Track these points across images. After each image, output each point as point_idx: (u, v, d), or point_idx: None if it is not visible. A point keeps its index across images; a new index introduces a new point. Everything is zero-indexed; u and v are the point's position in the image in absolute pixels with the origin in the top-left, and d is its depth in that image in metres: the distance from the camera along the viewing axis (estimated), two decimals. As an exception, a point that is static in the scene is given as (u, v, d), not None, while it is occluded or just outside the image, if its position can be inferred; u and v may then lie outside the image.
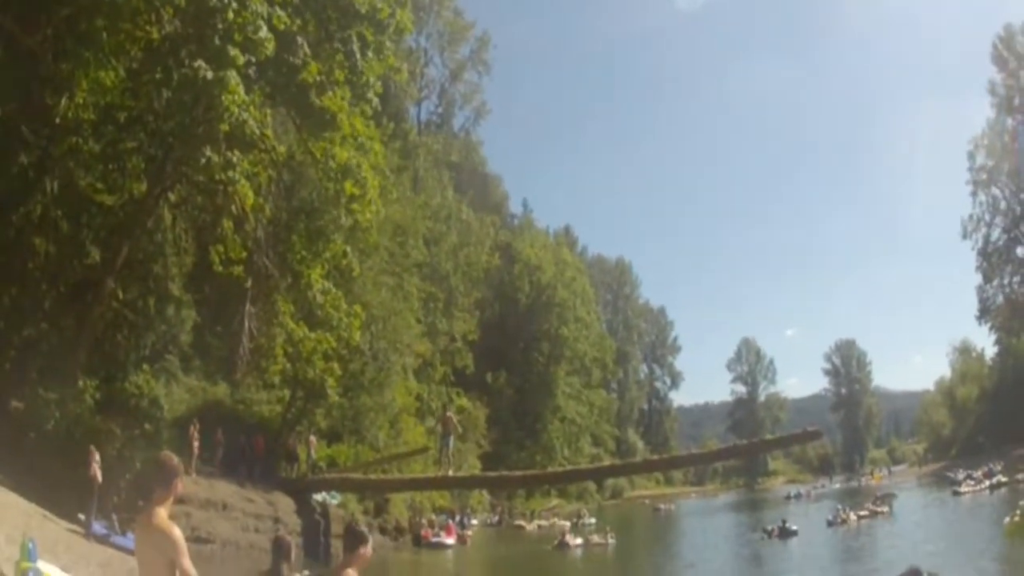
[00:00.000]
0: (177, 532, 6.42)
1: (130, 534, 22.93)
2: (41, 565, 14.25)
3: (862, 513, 53.72)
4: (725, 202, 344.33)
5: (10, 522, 18.12)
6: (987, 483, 65.72)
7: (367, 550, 7.60)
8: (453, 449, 41.50)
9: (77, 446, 25.48)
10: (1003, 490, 60.15)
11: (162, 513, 6.49)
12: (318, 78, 29.73)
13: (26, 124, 27.79)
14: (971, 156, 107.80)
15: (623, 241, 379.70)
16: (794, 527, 46.73)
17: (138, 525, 6.87)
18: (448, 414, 40.10)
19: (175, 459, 6.91)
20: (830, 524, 50.47)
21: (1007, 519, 31.94)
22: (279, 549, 9.49)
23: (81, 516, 24.37)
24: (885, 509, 55.74)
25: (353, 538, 7.70)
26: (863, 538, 44.74)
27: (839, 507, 55.50)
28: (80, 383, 28.45)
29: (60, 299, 30.23)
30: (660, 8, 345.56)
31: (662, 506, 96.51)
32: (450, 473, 39.76)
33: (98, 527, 24.55)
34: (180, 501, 28.00)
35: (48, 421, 26.77)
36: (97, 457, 24.87)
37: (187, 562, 6.38)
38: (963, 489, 64.68)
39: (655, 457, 78.75)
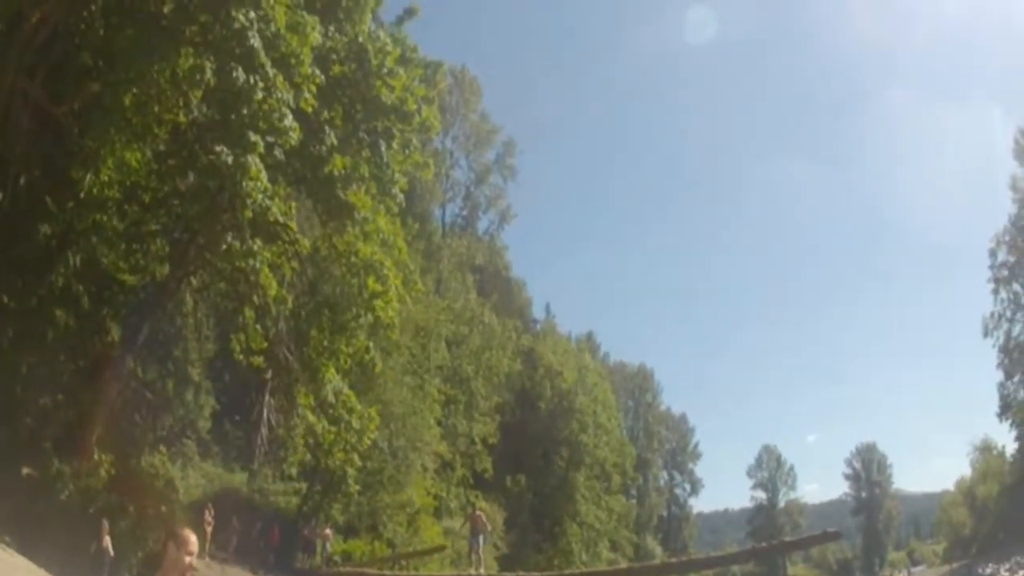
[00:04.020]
0: None
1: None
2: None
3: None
4: (746, 307, 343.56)
5: (20, 585, 18.16)
6: (1020, 574, 65.14)
7: None
8: (486, 546, 41.19)
9: (90, 519, 25.60)
10: (1035, 582, 59.86)
11: None
12: (343, 171, 30.15)
13: (51, 195, 28.31)
14: (992, 253, 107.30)
15: (645, 348, 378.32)
16: None
17: None
18: (478, 513, 39.74)
19: (189, 535, 6.89)
20: None
21: None
22: None
23: (92, 588, 24.42)
24: None
25: None
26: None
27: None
28: (96, 457, 28.58)
29: (78, 372, 30.49)
30: (678, 110, 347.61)
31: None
32: (481, 571, 39.42)
33: (109, 600, 24.62)
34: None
35: (62, 492, 26.86)
36: (108, 530, 24.96)
37: None
38: None
39: (673, 559, 77.80)
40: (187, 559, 6.64)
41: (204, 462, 41.81)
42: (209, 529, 34.98)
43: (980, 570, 78.66)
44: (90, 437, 29.12)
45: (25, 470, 27.71)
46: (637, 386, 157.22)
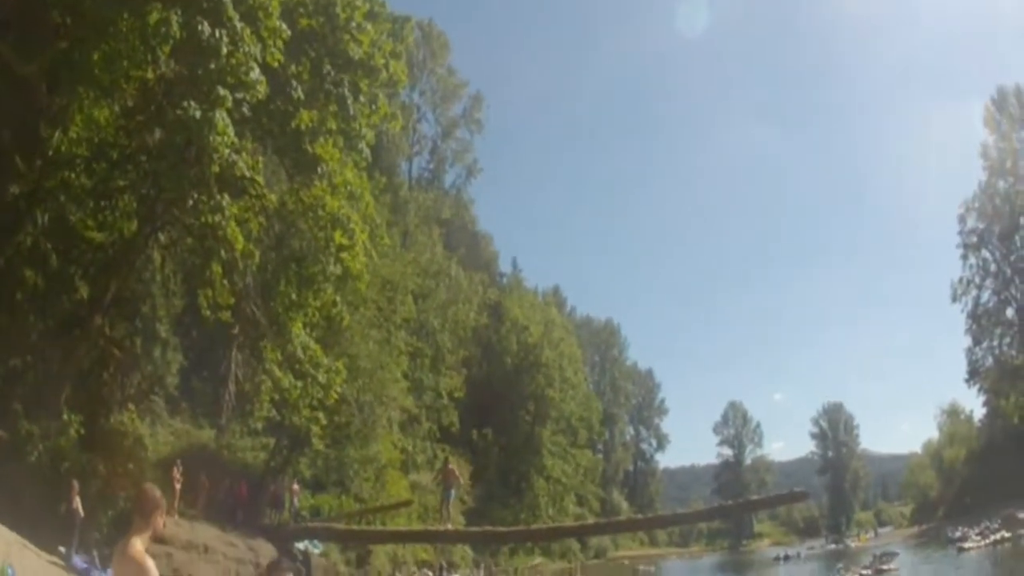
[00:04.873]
0: (150, 564, 6.37)
1: (110, 570, 22.94)
2: (19, 594, 14.14)
3: (864, 573, 53.21)
4: (714, 264, 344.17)
5: (-10, 549, 18.02)
6: (992, 538, 65.97)
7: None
8: (454, 501, 41.27)
9: (61, 479, 25.41)
10: (1007, 545, 60.45)
11: (138, 544, 6.45)
12: (311, 125, 29.98)
13: (19, 154, 27.84)
14: (962, 219, 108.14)
15: (611, 303, 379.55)
16: None
17: (115, 554, 6.80)
18: (450, 466, 39.36)
19: (157, 492, 6.85)
20: None
21: None
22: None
23: (62, 549, 24.28)
24: (891, 567, 55.08)
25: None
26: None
27: (840, 567, 55.05)
28: (65, 417, 28.43)
29: (47, 332, 30.17)
30: (648, 71, 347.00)
31: (642, 567, 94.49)
32: (449, 526, 39.47)
33: (79, 560, 24.53)
34: (162, 541, 28.06)
35: (31, 453, 26.67)
36: (78, 490, 24.82)
37: None
38: (968, 545, 64.86)
39: (640, 516, 78.11)
40: (162, 522, 6.67)
41: (172, 419, 41.74)
42: (178, 487, 34.86)
43: (950, 533, 79.51)
44: (59, 397, 28.92)
45: (-5, 432, 27.53)
46: (603, 341, 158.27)
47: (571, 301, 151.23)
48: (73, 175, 28.95)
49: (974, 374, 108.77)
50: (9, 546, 20.61)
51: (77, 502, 24.44)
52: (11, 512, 23.59)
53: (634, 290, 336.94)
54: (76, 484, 24.79)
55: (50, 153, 27.43)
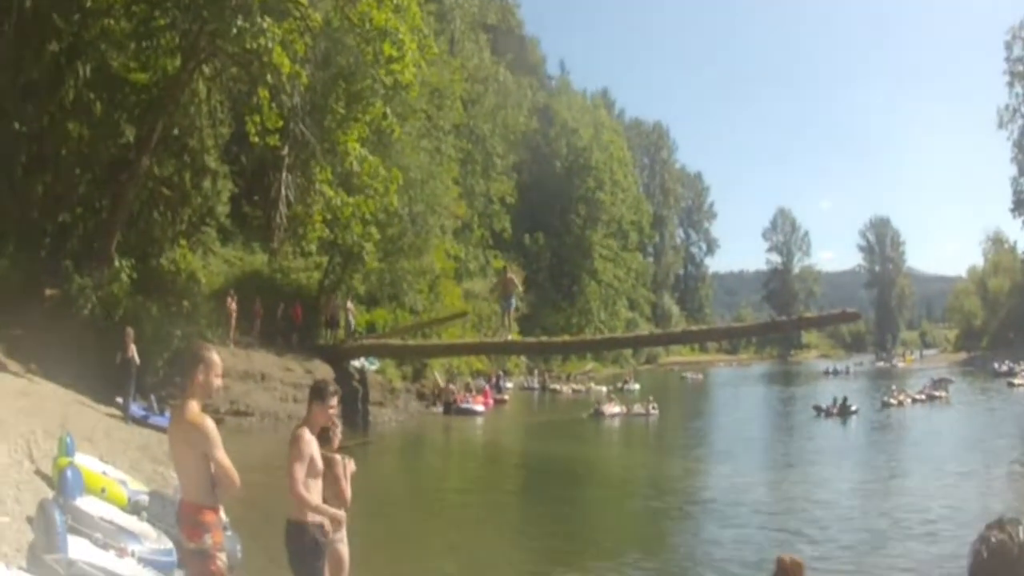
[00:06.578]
0: (209, 424, 6.44)
1: (168, 413, 22.96)
2: (79, 458, 13.93)
3: (918, 396, 53.36)
4: (765, 69, 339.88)
5: (47, 413, 17.96)
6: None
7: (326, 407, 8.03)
8: (514, 311, 40.88)
9: (115, 328, 25.34)
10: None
11: (194, 406, 6.50)
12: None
13: (56, 11, 27.50)
14: (1008, 46, 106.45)
15: (661, 105, 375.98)
16: (854, 406, 45.66)
17: (172, 419, 7.03)
18: (509, 275, 38.57)
19: (204, 349, 6.83)
20: (885, 405, 49.89)
21: None
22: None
23: (119, 399, 24.36)
24: (944, 394, 55.26)
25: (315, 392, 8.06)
26: (933, 423, 43.17)
27: (893, 388, 55.09)
28: (116, 263, 28.30)
29: (94, 182, 30.31)
30: None
31: (689, 375, 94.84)
32: (509, 337, 39.24)
33: (136, 408, 24.59)
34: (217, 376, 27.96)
35: (84, 307, 26.74)
36: (133, 337, 24.62)
37: (220, 453, 6.42)
38: (1017, 381, 65.14)
39: (693, 328, 78.54)
40: (216, 382, 6.69)
41: (224, 247, 41.53)
42: (233, 316, 34.92)
43: (996, 366, 79.79)
44: (110, 245, 28.88)
45: (48, 291, 27.55)
46: (652, 143, 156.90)
47: (620, 103, 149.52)
48: (112, 21, 28.56)
49: (1019, 204, 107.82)
50: (67, 406, 20.62)
51: (132, 350, 24.27)
52: (67, 370, 23.77)
53: (684, 93, 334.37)
54: (131, 331, 24.61)
55: (88, 4, 27.00)
